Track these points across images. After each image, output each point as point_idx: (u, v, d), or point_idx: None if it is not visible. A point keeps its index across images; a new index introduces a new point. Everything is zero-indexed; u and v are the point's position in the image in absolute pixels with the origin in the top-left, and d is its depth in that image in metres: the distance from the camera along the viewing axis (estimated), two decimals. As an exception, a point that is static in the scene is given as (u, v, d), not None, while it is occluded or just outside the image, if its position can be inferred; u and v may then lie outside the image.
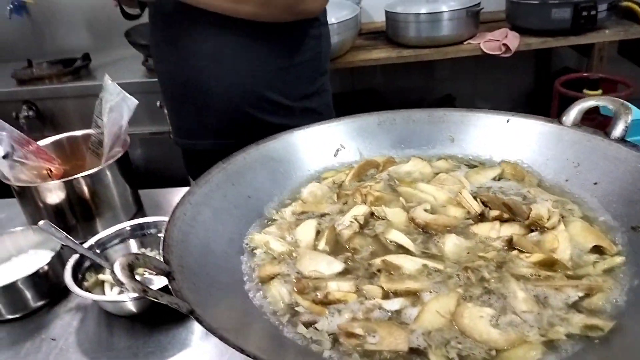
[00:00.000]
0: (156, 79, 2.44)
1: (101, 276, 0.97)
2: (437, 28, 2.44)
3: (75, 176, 1.08)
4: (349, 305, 0.62)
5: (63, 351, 0.85)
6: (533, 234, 0.72)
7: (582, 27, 2.33)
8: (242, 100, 1.28)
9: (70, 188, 1.08)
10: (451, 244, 0.70)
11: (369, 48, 2.58)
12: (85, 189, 1.10)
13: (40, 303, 0.94)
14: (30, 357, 0.85)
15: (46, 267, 0.94)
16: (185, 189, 1.26)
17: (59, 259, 0.97)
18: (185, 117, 1.39)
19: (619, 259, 0.66)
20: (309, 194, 0.86)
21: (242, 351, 0.45)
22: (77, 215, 1.12)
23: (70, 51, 2.86)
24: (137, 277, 0.53)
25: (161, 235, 0.99)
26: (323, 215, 0.81)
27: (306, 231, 0.76)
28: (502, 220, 0.73)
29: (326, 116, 1.34)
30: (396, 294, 0.63)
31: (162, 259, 0.60)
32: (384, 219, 0.77)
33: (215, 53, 1.25)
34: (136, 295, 0.81)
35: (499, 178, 0.85)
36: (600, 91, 2.33)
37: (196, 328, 0.86)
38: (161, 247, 0.62)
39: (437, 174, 0.87)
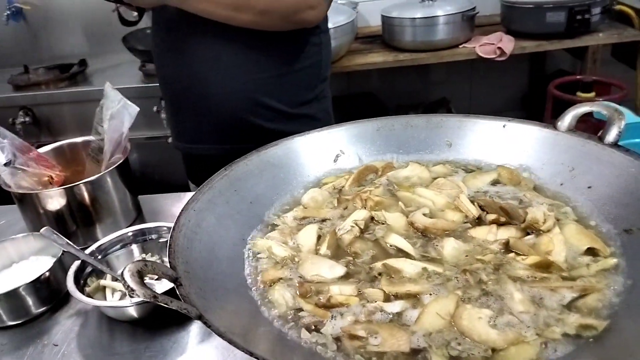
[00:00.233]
0: (153, 84, 2.48)
1: (102, 282, 0.98)
2: (432, 32, 2.46)
3: (77, 183, 1.09)
4: (351, 308, 0.64)
5: (65, 356, 0.86)
6: (529, 236, 0.73)
7: (576, 31, 2.37)
8: (240, 106, 1.30)
9: (71, 195, 1.09)
10: (450, 247, 0.72)
11: (365, 52, 2.61)
12: (86, 196, 1.11)
13: (41, 309, 0.95)
14: (32, 362, 0.85)
15: (47, 274, 0.95)
16: (184, 194, 1.30)
17: (60, 265, 0.98)
18: (185, 121, 1.41)
19: (612, 261, 0.67)
20: (309, 199, 0.87)
21: (251, 354, 0.46)
22: (77, 221, 1.13)
23: (67, 57, 2.88)
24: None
25: (162, 240, 1.02)
26: (324, 220, 0.83)
27: (308, 236, 0.78)
28: (499, 224, 0.75)
29: (324, 122, 1.36)
30: (397, 296, 0.65)
31: (167, 265, 0.62)
32: (383, 224, 0.79)
33: (214, 59, 1.27)
34: (138, 300, 0.84)
35: (495, 182, 0.87)
36: (593, 94, 2.36)
37: (197, 332, 0.86)
38: (167, 254, 0.63)
39: (435, 178, 0.89)
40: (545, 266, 0.67)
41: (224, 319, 0.57)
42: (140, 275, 0.53)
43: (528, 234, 0.74)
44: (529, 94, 3.16)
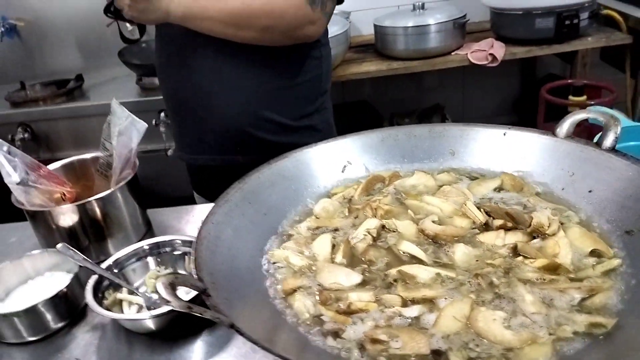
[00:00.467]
0: (150, 98, 2.50)
1: (119, 295, 1.00)
2: (425, 40, 2.50)
3: (89, 199, 1.11)
4: (370, 313, 0.67)
5: (87, 370, 0.88)
6: (535, 240, 0.77)
7: (565, 36, 2.42)
8: (242, 119, 1.33)
9: (84, 211, 1.11)
10: (460, 252, 0.75)
11: (358, 61, 2.64)
12: (98, 211, 1.13)
13: (60, 324, 0.96)
14: (55, 377, 0.87)
15: (65, 289, 0.96)
16: (191, 207, 1.32)
17: (77, 281, 1.00)
18: (188, 132, 1.44)
19: (616, 261, 0.71)
20: (321, 209, 0.90)
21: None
22: (89, 236, 1.14)
23: (62, 72, 2.89)
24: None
25: (176, 253, 1.05)
26: (336, 229, 0.86)
27: (322, 245, 0.81)
28: (506, 229, 0.79)
29: (325, 133, 1.40)
30: (413, 301, 0.68)
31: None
32: (394, 231, 0.82)
33: (217, 73, 1.30)
34: (156, 313, 0.86)
35: (499, 189, 0.90)
36: (585, 97, 2.41)
37: (214, 342, 0.88)
38: (192, 266, 0.66)
39: (440, 186, 0.92)
40: (553, 268, 0.70)
41: (252, 326, 0.60)
42: (172, 287, 0.56)
43: (534, 237, 0.77)
44: (521, 98, 3.22)
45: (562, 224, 0.79)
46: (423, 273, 0.71)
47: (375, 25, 2.64)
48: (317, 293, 0.71)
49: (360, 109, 3.01)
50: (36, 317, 0.94)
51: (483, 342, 0.61)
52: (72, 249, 1.00)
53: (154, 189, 2.57)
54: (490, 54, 2.44)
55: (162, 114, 2.42)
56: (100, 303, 0.93)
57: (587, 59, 2.51)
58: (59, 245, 1.00)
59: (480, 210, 0.83)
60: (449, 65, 2.53)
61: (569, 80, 2.54)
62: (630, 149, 1.10)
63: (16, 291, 1.03)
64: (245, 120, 1.32)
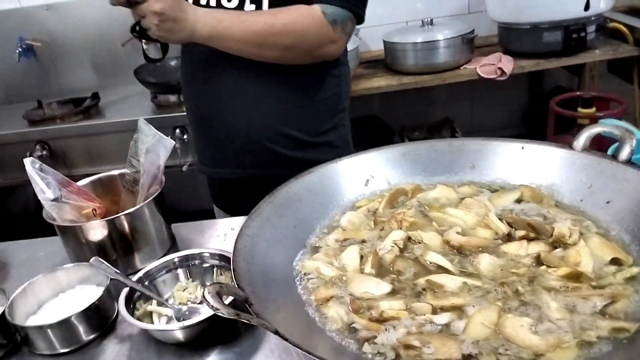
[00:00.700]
0: (165, 115, 2.55)
1: (149, 307, 1.03)
2: (434, 55, 2.55)
3: (118, 215, 1.14)
4: (402, 321, 0.70)
5: (121, 380, 0.91)
6: (557, 250, 0.80)
7: (573, 49, 2.46)
8: (263, 135, 1.37)
9: (113, 226, 1.15)
10: (485, 262, 0.78)
11: (369, 77, 2.69)
12: (126, 226, 1.16)
13: (92, 336, 0.99)
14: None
15: (97, 302, 0.99)
16: (213, 222, 1.36)
17: (108, 293, 1.03)
18: (209, 146, 1.48)
19: (635, 269, 0.74)
20: (347, 222, 0.94)
21: (330, 363, 0.52)
22: (117, 250, 1.18)
23: (78, 90, 2.95)
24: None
25: (205, 265, 1.08)
26: (363, 241, 0.89)
27: (351, 256, 0.84)
28: (529, 239, 0.82)
29: (343, 149, 1.44)
30: (443, 309, 0.71)
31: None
32: (420, 243, 0.86)
33: (240, 90, 1.34)
34: (186, 324, 0.89)
35: (519, 201, 0.93)
36: (594, 109, 2.44)
37: (243, 351, 0.91)
38: (232, 277, 0.69)
39: (462, 199, 0.96)
40: (575, 277, 0.73)
41: (290, 333, 0.63)
42: (219, 295, 0.59)
43: (556, 247, 0.80)
44: (529, 111, 3.25)
45: (582, 234, 0.82)
46: (450, 282, 0.75)
47: (384, 41, 2.69)
48: (349, 302, 0.75)
49: (371, 123, 3.05)
50: (69, 329, 0.96)
51: (512, 346, 0.64)
52: (104, 263, 1.04)
53: (170, 204, 2.62)
54: (499, 68, 2.48)
55: (177, 131, 2.47)
56: (131, 314, 0.97)
57: (594, 71, 2.55)
58: (92, 259, 1.04)
59: (502, 222, 0.86)
60: (458, 79, 2.57)
61: (578, 93, 2.57)
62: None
63: (48, 303, 1.06)
64: (266, 136, 1.37)
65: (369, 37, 3.03)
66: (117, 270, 1.02)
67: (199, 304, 1.04)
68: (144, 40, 1.37)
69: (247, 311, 0.63)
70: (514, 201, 0.93)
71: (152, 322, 1.01)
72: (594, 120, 2.37)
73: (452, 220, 0.90)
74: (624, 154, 0.86)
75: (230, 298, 0.83)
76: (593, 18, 2.42)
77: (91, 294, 1.06)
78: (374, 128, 3.01)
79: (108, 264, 1.03)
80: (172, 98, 2.57)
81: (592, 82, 2.57)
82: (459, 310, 0.71)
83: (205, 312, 0.97)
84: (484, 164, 1.01)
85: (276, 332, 0.57)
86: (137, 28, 1.30)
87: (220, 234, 1.29)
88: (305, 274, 0.82)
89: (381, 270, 0.81)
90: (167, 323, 1.01)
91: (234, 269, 0.71)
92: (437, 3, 2.98)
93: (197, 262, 1.08)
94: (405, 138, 3.00)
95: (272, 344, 0.89)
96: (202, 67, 1.38)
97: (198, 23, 1.21)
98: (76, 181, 1.26)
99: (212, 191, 1.64)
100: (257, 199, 0.92)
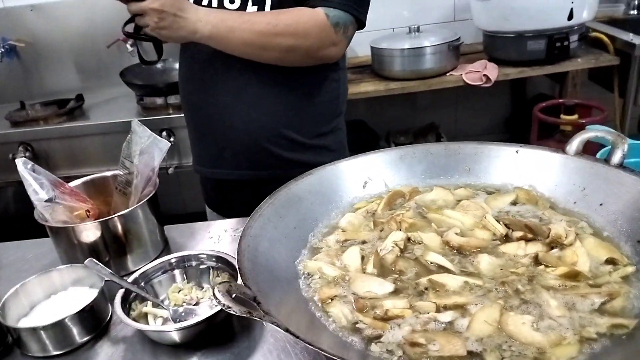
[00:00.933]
0: (150, 117, 2.53)
1: (145, 308, 1.02)
2: (421, 61, 2.58)
3: (111, 216, 1.14)
4: (406, 319, 0.71)
5: (115, 382, 0.90)
6: (554, 250, 0.82)
7: (556, 57, 2.51)
8: (261, 136, 1.37)
9: (106, 227, 1.14)
10: (485, 262, 0.80)
11: (356, 82, 2.71)
12: (120, 228, 1.16)
13: (85, 338, 0.98)
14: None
15: (92, 303, 0.98)
16: (207, 223, 1.35)
17: (102, 295, 1.02)
18: (207, 147, 1.48)
19: (630, 268, 0.76)
20: (347, 223, 0.95)
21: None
22: (110, 252, 1.17)
23: (61, 92, 2.92)
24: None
25: (202, 267, 1.08)
26: (364, 242, 0.90)
27: (352, 257, 0.85)
28: (526, 240, 0.84)
29: (338, 153, 1.45)
30: (446, 307, 0.73)
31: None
32: (420, 243, 0.87)
33: (239, 91, 1.35)
34: (181, 325, 0.89)
35: (515, 203, 0.96)
36: (576, 116, 2.49)
37: (240, 353, 0.91)
38: (239, 276, 0.70)
39: (459, 201, 0.97)
40: (573, 276, 0.75)
41: (298, 330, 0.63)
42: (229, 294, 0.60)
43: (552, 248, 0.82)
44: (512, 117, 3.30)
45: (577, 234, 0.84)
46: (452, 281, 0.76)
47: (372, 47, 2.72)
48: (353, 301, 0.76)
49: (357, 128, 3.07)
50: (63, 331, 0.96)
51: (515, 343, 0.66)
52: (99, 264, 1.03)
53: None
54: (484, 75, 2.52)
55: (164, 133, 2.45)
56: (128, 315, 0.96)
57: (577, 79, 2.60)
58: (87, 261, 1.03)
59: (499, 223, 0.88)
60: (444, 85, 2.60)
61: (561, 100, 2.63)
62: (633, 165, 1.16)
63: (40, 305, 1.05)
64: (265, 137, 1.37)
65: (357, 43, 3.04)
66: (111, 272, 1.02)
67: (195, 305, 1.04)
68: (137, 42, 1.36)
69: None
70: (509, 203, 0.95)
71: (147, 324, 1.01)
72: (577, 126, 2.43)
73: (450, 222, 0.91)
74: (616, 158, 0.89)
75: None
76: (576, 28, 2.48)
77: (84, 295, 1.05)
78: (360, 133, 3.02)
79: (102, 266, 1.03)
80: (159, 100, 2.55)
81: (574, 90, 2.63)
82: (461, 308, 0.72)
83: (201, 314, 0.97)
84: (479, 167, 1.03)
85: (287, 330, 0.58)
86: (131, 27, 1.29)
87: (214, 236, 1.29)
88: (308, 274, 0.83)
89: (383, 270, 0.82)
90: (162, 324, 1.01)
91: (239, 268, 0.71)
92: (424, 10, 3.02)
93: (193, 263, 1.08)
94: (392, 143, 3.02)
95: (270, 345, 0.90)
96: (201, 67, 1.38)
97: (199, 22, 1.20)
98: (61, 184, 1.25)
99: (205, 192, 1.64)
100: (251, 201, 0.93)
